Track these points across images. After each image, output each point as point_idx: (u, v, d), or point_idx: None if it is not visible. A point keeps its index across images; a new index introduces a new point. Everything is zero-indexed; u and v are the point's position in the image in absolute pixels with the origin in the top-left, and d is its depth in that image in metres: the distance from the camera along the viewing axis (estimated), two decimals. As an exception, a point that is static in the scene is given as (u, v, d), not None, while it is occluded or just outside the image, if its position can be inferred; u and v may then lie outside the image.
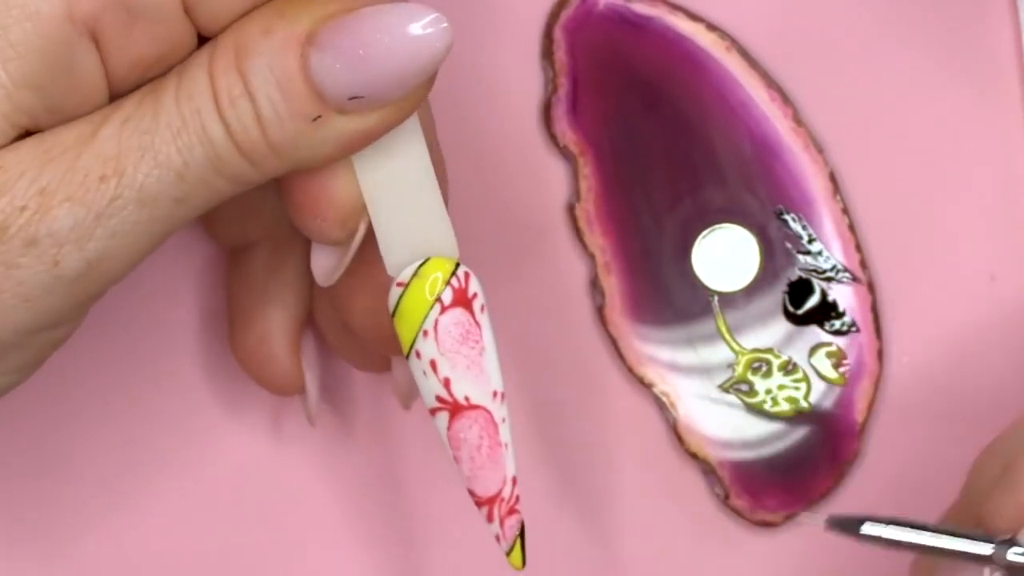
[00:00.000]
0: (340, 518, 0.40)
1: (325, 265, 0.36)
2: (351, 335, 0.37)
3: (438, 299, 0.33)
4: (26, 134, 0.30)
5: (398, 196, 0.33)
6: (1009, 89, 0.42)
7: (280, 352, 0.38)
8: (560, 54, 0.41)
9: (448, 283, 0.33)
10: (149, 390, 0.40)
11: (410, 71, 0.30)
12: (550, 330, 0.41)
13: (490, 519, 0.36)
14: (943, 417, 0.40)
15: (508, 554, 0.36)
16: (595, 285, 0.41)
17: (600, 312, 0.41)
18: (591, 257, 0.41)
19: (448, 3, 0.41)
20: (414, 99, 0.31)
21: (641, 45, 0.41)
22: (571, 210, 0.41)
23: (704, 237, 0.40)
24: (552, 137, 0.41)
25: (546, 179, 0.41)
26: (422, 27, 0.30)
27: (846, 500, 0.41)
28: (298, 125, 0.30)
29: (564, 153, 0.41)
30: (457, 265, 0.34)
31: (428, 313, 0.34)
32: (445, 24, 0.30)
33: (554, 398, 0.41)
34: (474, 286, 0.34)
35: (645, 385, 0.40)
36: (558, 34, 0.41)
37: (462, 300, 0.34)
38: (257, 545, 0.40)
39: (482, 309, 0.34)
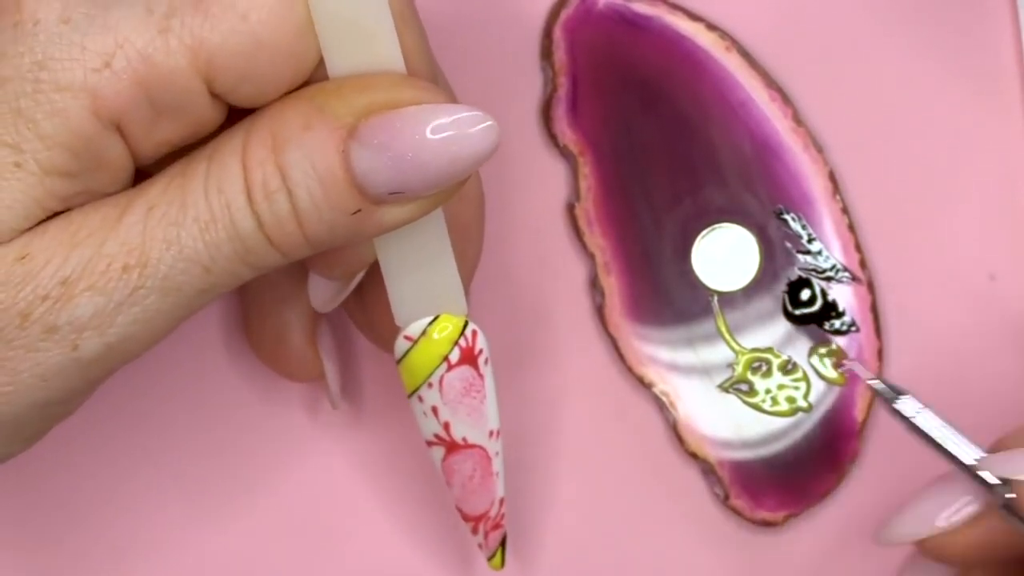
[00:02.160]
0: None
1: (322, 295, 0.36)
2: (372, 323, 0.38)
3: (445, 359, 0.34)
4: (55, 213, 0.30)
5: (410, 252, 0.33)
6: (1009, 89, 0.42)
7: (297, 344, 0.38)
8: (560, 54, 0.41)
9: (456, 343, 0.34)
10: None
11: (454, 171, 0.30)
12: (550, 330, 0.41)
13: (475, 532, 0.37)
14: (943, 417, 0.40)
15: (489, 559, 0.37)
16: (595, 285, 0.41)
17: (600, 312, 0.41)
18: (591, 257, 0.41)
19: (449, 3, 0.41)
20: (453, 191, 0.31)
21: (641, 45, 0.41)
22: (571, 210, 0.41)
23: (704, 237, 0.40)
24: (552, 137, 0.41)
25: (546, 179, 0.41)
26: (468, 129, 0.30)
27: (846, 500, 0.41)
28: (336, 218, 0.30)
29: (564, 153, 0.41)
30: (466, 324, 0.34)
31: (434, 370, 0.34)
32: (489, 122, 0.30)
33: (553, 398, 0.41)
34: (480, 343, 0.34)
35: (645, 385, 0.40)
36: (558, 34, 0.41)
37: (468, 358, 0.34)
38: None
39: (486, 362, 0.34)
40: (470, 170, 0.30)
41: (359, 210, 0.30)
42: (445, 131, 0.30)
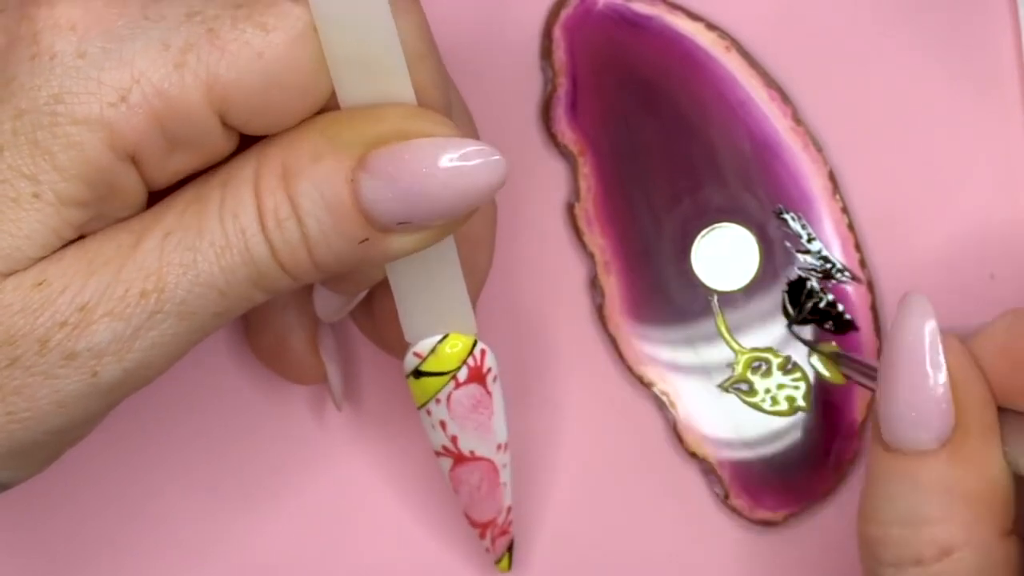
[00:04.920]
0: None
1: (328, 308, 0.36)
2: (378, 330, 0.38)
3: (453, 377, 0.34)
4: (68, 241, 0.30)
5: (420, 272, 0.33)
6: (1009, 89, 0.42)
7: (298, 347, 0.38)
8: (559, 53, 0.41)
9: (464, 362, 0.34)
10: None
11: (460, 204, 0.30)
12: (550, 329, 0.41)
13: (482, 537, 0.37)
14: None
15: (496, 563, 0.37)
16: (594, 284, 0.41)
17: (600, 311, 0.41)
18: (590, 256, 0.41)
19: (449, 2, 0.41)
20: (461, 222, 0.31)
21: (641, 44, 0.41)
22: (570, 209, 0.41)
23: (704, 236, 0.40)
24: (551, 136, 0.41)
25: (545, 178, 0.41)
26: (474, 163, 0.30)
27: (846, 500, 0.40)
28: (344, 246, 0.30)
29: (563, 152, 0.41)
30: (474, 343, 0.34)
31: (442, 387, 0.34)
32: (497, 157, 0.30)
33: (554, 397, 0.41)
34: (489, 362, 0.34)
35: (645, 384, 0.40)
36: (557, 33, 0.41)
37: (476, 377, 0.34)
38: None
39: (495, 380, 0.35)
40: (476, 204, 0.30)
41: (367, 238, 0.30)
42: (452, 164, 0.30)
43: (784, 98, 0.41)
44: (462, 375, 0.34)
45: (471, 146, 0.30)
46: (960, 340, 0.33)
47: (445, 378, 0.34)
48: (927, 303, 0.32)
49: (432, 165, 0.30)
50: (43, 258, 0.30)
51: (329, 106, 0.31)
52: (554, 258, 0.41)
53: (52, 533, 0.40)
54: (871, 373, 0.36)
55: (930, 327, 0.32)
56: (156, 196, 0.31)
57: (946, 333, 0.32)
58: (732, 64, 0.41)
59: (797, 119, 0.41)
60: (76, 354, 0.30)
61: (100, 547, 0.40)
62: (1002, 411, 0.32)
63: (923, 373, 0.32)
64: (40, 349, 0.29)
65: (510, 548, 0.38)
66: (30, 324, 0.29)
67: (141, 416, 0.40)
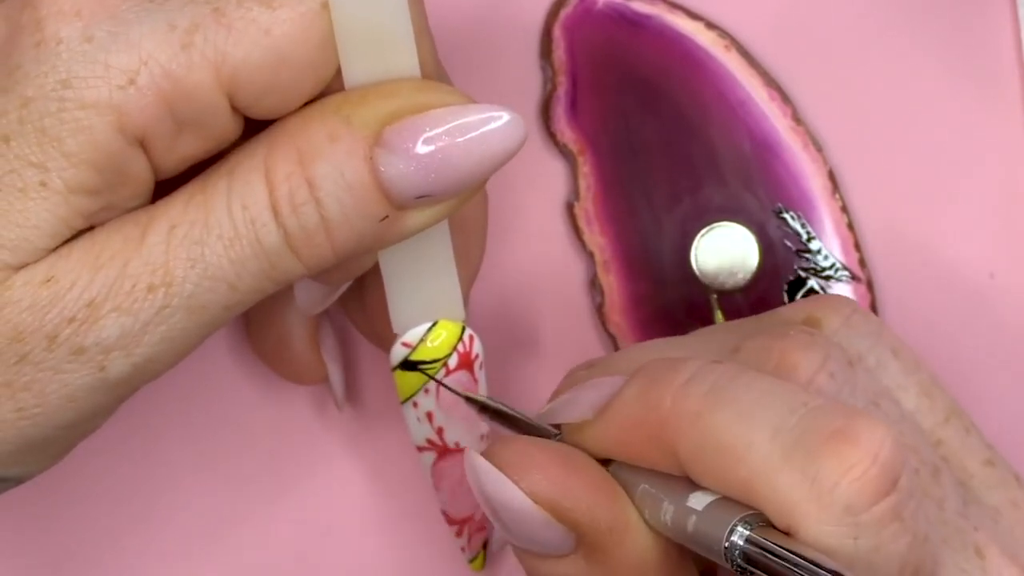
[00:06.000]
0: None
1: (310, 298, 0.36)
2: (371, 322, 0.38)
3: (444, 364, 0.34)
4: (79, 232, 0.30)
5: (413, 257, 0.33)
6: (1009, 89, 0.42)
7: (299, 347, 0.38)
8: (559, 53, 0.41)
9: (455, 348, 0.34)
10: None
11: (483, 169, 0.30)
12: (550, 329, 0.41)
13: (459, 535, 0.37)
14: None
15: (471, 561, 0.37)
16: (594, 284, 0.41)
17: (600, 311, 0.41)
18: (590, 255, 0.41)
19: (449, 2, 0.41)
20: (477, 190, 0.31)
21: (640, 44, 0.41)
22: (570, 208, 0.41)
23: (703, 235, 0.40)
24: (551, 136, 0.41)
25: (545, 178, 0.41)
26: (494, 126, 0.30)
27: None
28: (365, 226, 0.30)
29: (563, 152, 0.41)
30: (463, 329, 0.34)
31: (433, 376, 0.34)
32: (512, 117, 0.30)
33: (553, 396, 0.41)
34: (476, 348, 0.34)
35: (644, 384, 0.40)
36: (557, 33, 0.41)
37: (465, 363, 0.34)
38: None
39: (480, 367, 0.34)
40: (498, 166, 0.30)
41: (386, 216, 0.30)
42: (473, 130, 0.30)
43: (784, 97, 0.41)
44: (452, 362, 0.34)
45: (488, 111, 0.30)
46: (573, 431, 0.31)
47: (437, 366, 0.34)
48: (480, 461, 0.31)
49: (452, 133, 0.30)
50: (53, 250, 0.30)
51: (331, 87, 0.31)
52: (554, 257, 0.41)
53: (53, 534, 0.40)
54: (522, 426, 0.33)
55: (492, 482, 0.30)
56: (163, 188, 0.31)
57: (529, 448, 0.31)
58: (732, 64, 0.41)
59: (797, 119, 0.41)
60: (84, 349, 0.30)
61: (101, 548, 0.40)
62: (636, 472, 0.30)
63: (502, 520, 0.31)
64: (48, 345, 0.29)
65: (485, 546, 0.38)
66: (38, 321, 0.29)
67: (141, 417, 0.40)
